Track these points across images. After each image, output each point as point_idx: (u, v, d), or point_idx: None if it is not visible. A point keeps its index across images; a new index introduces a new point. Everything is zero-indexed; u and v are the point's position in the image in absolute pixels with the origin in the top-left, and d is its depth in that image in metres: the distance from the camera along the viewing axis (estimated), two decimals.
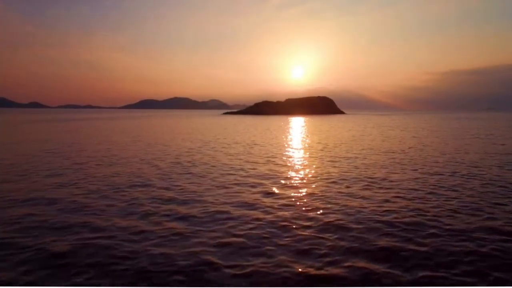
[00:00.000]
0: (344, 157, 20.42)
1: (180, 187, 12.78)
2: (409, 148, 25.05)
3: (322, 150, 24.30)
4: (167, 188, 12.63)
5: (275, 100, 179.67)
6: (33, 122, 68.68)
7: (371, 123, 69.22)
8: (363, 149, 24.26)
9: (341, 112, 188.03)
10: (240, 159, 19.93)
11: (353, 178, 14.40)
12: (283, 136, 36.83)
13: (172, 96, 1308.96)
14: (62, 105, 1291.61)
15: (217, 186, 12.97)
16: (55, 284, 5.95)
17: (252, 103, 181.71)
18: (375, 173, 15.34)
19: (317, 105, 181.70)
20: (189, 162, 18.76)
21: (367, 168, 16.63)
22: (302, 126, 57.95)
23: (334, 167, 17.13)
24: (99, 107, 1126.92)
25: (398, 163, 18.32)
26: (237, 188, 12.71)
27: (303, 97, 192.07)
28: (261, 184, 13.34)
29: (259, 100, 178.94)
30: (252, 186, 12.94)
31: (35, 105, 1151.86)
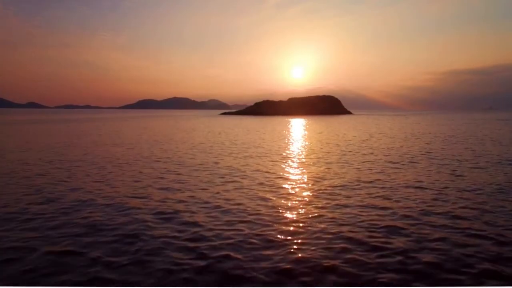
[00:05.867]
0: None
1: None
2: None
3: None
4: None
5: (275, 100, 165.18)
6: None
7: (430, 129, 54.96)
8: None
9: (348, 112, 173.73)
10: None
11: None
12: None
13: (171, 96, 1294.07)
14: (61, 105, 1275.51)
15: None
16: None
17: (252, 103, 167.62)
18: None
19: (322, 105, 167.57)
20: None
21: None
22: (320, 133, 44.06)
23: None
24: (98, 107, 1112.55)
25: None
26: None
27: (307, 96, 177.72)
28: None
29: (259, 100, 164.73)
30: None
31: (33, 105, 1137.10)
